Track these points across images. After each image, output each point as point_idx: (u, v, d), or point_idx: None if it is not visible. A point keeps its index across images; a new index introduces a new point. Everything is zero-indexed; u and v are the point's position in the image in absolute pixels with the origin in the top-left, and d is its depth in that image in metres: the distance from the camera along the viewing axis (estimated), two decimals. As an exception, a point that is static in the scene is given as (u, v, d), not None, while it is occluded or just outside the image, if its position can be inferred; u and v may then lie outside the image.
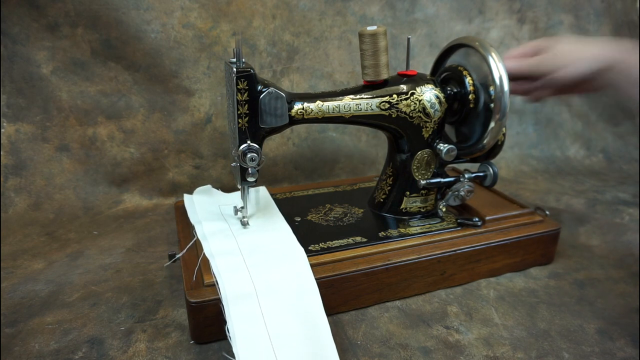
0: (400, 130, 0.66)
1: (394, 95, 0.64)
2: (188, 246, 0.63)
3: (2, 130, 0.89)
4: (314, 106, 0.61)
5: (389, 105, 0.64)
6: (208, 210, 0.70)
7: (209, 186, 0.78)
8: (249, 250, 0.59)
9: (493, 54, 0.62)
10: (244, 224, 0.64)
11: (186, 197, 0.75)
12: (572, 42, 0.63)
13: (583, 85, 0.62)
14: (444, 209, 0.71)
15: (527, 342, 0.56)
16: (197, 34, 0.93)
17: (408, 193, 0.70)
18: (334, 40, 1.02)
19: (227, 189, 0.79)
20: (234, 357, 0.47)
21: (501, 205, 0.74)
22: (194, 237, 0.64)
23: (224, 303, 0.51)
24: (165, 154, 0.96)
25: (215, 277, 0.55)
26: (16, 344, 0.54)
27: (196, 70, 0.94)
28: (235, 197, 0.75)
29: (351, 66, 1.04)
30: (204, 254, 0.59)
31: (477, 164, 0.73)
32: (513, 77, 0.63)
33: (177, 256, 0.62)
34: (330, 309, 0.57)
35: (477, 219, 0.69)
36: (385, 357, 0.53)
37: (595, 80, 0.60)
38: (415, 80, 0.65)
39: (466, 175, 0.69)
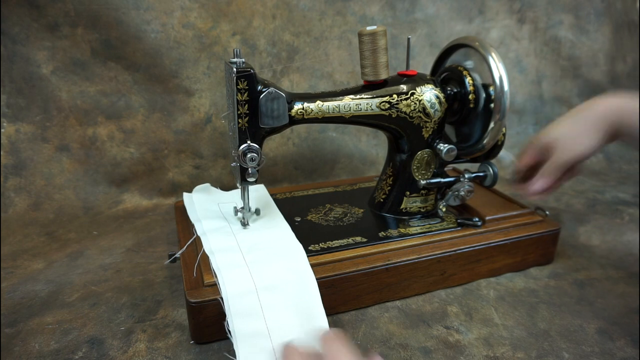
0: (400, 130, 0.66)
1: (394, 95, 0.64)
2: (188, 243, 0.63)
3: (2, 130, 0.89)
4: (314, 106, 0.61)
5: (389, 105, 0.64)
6: (207, 208, 0.70)
7: (207, 184, 0.78)
8: (249, 247, 0.59)
9: (493, 54, 0.62)
10: (244, 224, 0.64)
11: (185, 196, 0.75)
12: (568, 124, 0.62)
13: (598, 150, 0.62)
14: (444, 209, 0.71)
15: (527, 342, 0.55)
16: (197, 34, 0.93)
17: (408, 193, 0.70)
18: (334, 40, 1.02)
19: (227, 189, 0.79)
20: (234, 356, 0.47)
21: (501, 205, 0.74)
22: (194, 235, 0.64)
23: (224, 299, 0.51)
24: (165, 154, 0.96)
25: (215, 273, 0.55)
26: (16, 344, 0.54)
27: (196, 70, 0.94)
28: (234, 195, 0.75)
29: (351, 66, 1.04)
30: (203, 250, 0.59)
31: (477, 164, 0.73)
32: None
33: (177, 254, 0.62)
34: (330, 309, 0.57)
35: (477, 219, 0.69)
36: (385, 357, 0.53)
37: (607, 141, 0.60)
38: (415, 80, 0.65)
39: (466, 175, 0.69)
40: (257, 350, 0.47)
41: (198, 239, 0.63)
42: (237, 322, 0.49)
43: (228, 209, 0.70)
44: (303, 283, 0.54)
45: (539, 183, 0.63)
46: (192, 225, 0.67)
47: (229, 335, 0.49)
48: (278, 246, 0.60)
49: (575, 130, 0.60)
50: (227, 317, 0.50)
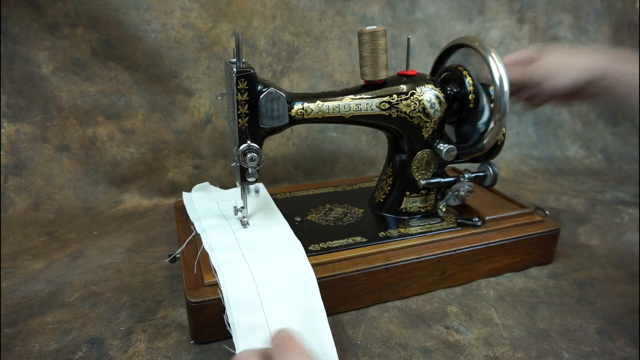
0: (400, 130, 0.66)
1: (394, 95, 0.64)
2: (187, 240, 0.64)
3: (2, 130, 0.89)
4: (314, 106, 0.61)
5: (389, 105, 0.64)
6: (207, 207, 0.70)
7: (206, 183, 0.78)
8: (248, 244, 0.60)
9: (493, 54, 0.62)
10: (244, 224, 0.64)
11: (185, 195, 0.75)
12: (564, 51, 0.63)
13: (575, 94, 0.63)
14: (444, 209, 0.71)
15: (527, 342, 0.56)
16: (197, 34, 0.93)
17: (408, 193, 0.70)
18: (334, 40, 1.02)
19: (227, 189, 0.79)
20: (233, 349, 0.47)
21: (501, 205, 0.74)
22: (193, 232, 0.65)
23: (223, 293, 0.52)
24: (165, 154, 0.96)
25: (214, 269, 0.55)
26: (16, 344, 0.54)
27: (196, 70, 0.94)
28: (233, 193, 0.76)
29: (351, 66, 1.04)
30: (203, 248, 0.60)
31: (477, 164, 0.73)
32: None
33: (177, 252, 0.62)
34: (330, 309, 0.57)
35: (477, 219, 0.69)
36: (385, 357, 0.53)
37: (587, 89, 0.61)
38: (415, 80, 0.65)
39: (466, 175, 0.69)
40: (256, 342, 0.48)
41: (198, 237, 0.63)
42: (237, 315, 0.49)
43: (227, 207, 0.70)
44: (302, 279, 0.55)
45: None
46: (192, 224, 0.67)
47: (228, 328, 0.49)
48: (277, 243, 0.61)
49: (566, 63, 0.61)
50: (226, 309, 0.50)
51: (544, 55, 0.64)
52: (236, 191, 0.76)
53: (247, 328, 0.49)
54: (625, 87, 0.57)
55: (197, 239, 0.63)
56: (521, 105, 0.69)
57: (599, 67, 0.59)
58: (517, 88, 0.66)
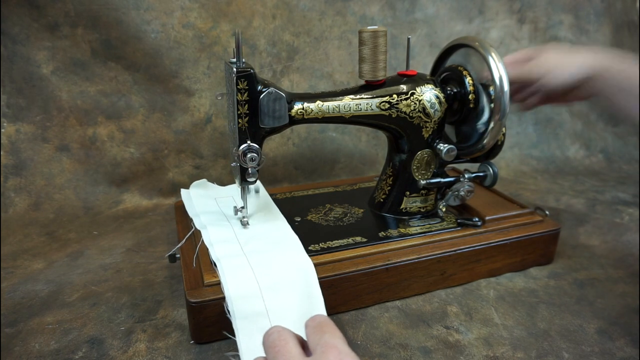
0: (400, 130, 0.66)
1: (394, 95, 0.64)
2: (187, 236, 0.64)
3: (2, 130, 0.89)
4: (314, 106, 0.61)
5: (389, 105, 0.64)
6: (205, 203, 0.71)
7: (204, 180, 0.79)
8: (247, 238, 0.61)
9: (493, 54, 0.62)
10: (244, 224, 0.64)
11: (183, 192, 0.76)
12: (560, 50, 0.64)
13: (570, 94, 0.63)
14: (444, 209, 0.71)
15: (527, 342, 0.56)
16: (197, 34, 0.93)
17: (408, 193, 0.70)
18: (334, 40, 1.02)
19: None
20: (234, 335, 0.48)
21: (501, 205, 0.74)
22: (192, 228, 0.66)
23: (222, 285, 0.52)
24: (165, 154, 0.96)
25: (213, 262, 0.56)
26: (16, 344, 0.54)
27: (196, 70, 0.94)
28: (230, 190, 0.77)
29: (351, 66, 1.04)
30: (202, 242, 0.61)
31: (477, 164, 0.73)
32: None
33: (177, 246, 0.63)
34: (330, 309, 0.57)
35: (477, 219, 0.69)
36: (385, 357, 0.53)
37: (581, 89, 0.61)
38: (415, 80, 0.65)
39: (466, 175, 0.69)
40: (256, 329, 0.49)
41: (197, 233, 0.64)
42: (237, 303, 0.50)
43: (225, 203, 0.71)
44: (300, 268, 0.56)
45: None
46: (191, 220, 0.68)
47: (228, 316, 0.50)
48: (275, 237, 0.62)
49: (562, 60, 0.62)
50: (225, 298, 0.51)
51: (541, 54, 0.64)
52: (234, 187, 0.77)
53: (247, 315, 0.50)
54: (617, 87, 0.57)
55: (196, 235, 0.64)
56: (516, 107, 0.69)
57: (593, 66, 0.59)
58: (516, 88, 0.66)
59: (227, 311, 0.50)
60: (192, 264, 0.58)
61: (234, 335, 0.49)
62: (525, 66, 0.64)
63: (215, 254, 0.57)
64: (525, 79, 0.64)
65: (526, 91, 0.67)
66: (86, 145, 0.93)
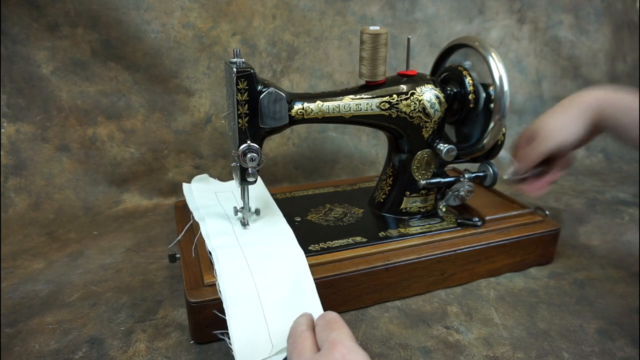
0: (400, 130, 0.66)
1: (394, 95, 0.64)
2: (186, 228, 0.66)
3: (2, 130, 0.89)
4: (314, 106, 0.61)
5: (389, 105, 0.64)
6: (205, 196, 0.73)
7: (205, 175, 0.81)
8: (243, 231, 0.63)
9: (493, 54, 0.62)
10: (244, 224, 0.64)
11: (185, 186, 0.77)
12: (552, 113, 0.65)
13: (585, 141, 0.66)
14: (444, 209, 0.71)
15: (527, 342, 0.56)
16: (197, 34, 0.93)
17: (408, 193, 0.70)
18: (334, 40, 1.02)
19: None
20: (224, 314, 0.50)
21: (501, 205, 0.74)
22: (191, 220, 0.68)
23: (218, 278, 0.54)
24: (165, 154, 0.96)
25: (209, 252, 0.58)
26: (16, 344, 0.54)
27: (196, 70, 0.94)
28: (231, 185, 0.79)
29: (351, 66, 1.04)
30: (200, 234, 0.62)
31: (477, 164, 0.73)
32: (525, 175, 0.68)
33: (176, 239, 0.65)
34: (330, 309, 0.56)
35: (477, 219, 0.69)
36: (385, 357, 0.53)
37: (593, 132, 0.64)
38: (415, 80, 0.65)
39: (466, 175, 0.69)
40: (246, 310, 0.50)
41: (197, 227, 0.65)
42: (227, 281, 0.52)
43: (225, 197, 0.73)
44: (295, 262, 0.57)
45: (519, 167, 0.67)
46: (191, 213, 0.69)
47: (220, 295, 0.52)
48: (271, 232, 0.64)
49: (560, 120, 0.63)
50: (217, 277, 0.53)
51: (539, 128, 0.65)
52: (234, 183, 0.77)
53: (237, 295, 0.51)
54: (623, 120, 0.59)
55: (194, 227, 0.66)
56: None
57: (594, 107, 0.61)
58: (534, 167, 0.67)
59: (218, 291, 0.52)
60: (192, 254, 0.59)
61: (226, 328, 0.49)
62: (534, 149, 0.64)
63: (211, 244, 0.59)
64: (546, 154, 0.65)
65: (543, 170, 0.68)
66: (86, 145, 0.93)
